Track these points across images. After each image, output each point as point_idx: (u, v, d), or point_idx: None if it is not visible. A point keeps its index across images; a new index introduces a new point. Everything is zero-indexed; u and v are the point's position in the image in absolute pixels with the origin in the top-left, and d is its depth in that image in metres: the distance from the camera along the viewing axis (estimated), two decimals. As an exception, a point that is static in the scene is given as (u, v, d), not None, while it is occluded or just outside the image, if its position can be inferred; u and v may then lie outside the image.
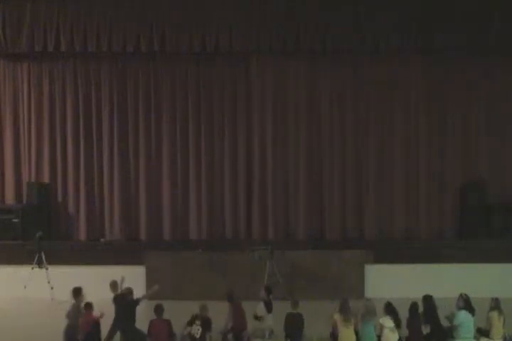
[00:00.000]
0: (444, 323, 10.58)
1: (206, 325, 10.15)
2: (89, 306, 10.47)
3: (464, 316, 10.32)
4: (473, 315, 10.37)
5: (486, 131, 16.64)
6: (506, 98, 16.50)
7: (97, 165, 16.85)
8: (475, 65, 16.46)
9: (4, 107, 16.97)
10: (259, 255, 14.25)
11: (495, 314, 10.38)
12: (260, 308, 11.37)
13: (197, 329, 10.07)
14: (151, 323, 10.21)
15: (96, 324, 10.39)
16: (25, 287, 13.92)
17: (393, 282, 14.22)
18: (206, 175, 16.73)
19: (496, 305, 10.48)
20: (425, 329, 10.50)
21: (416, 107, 16.70)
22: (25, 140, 16.96)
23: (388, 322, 10.01)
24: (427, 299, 10.71)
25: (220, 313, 10.84)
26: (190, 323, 10.20)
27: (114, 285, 11.23)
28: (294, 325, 10.55)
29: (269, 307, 11.38)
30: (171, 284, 14.07)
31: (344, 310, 10.05)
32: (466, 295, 10.58)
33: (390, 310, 10.19)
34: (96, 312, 10.44)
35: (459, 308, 10.44)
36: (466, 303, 10.46)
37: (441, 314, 10.60)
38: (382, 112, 16.71)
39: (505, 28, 15.63)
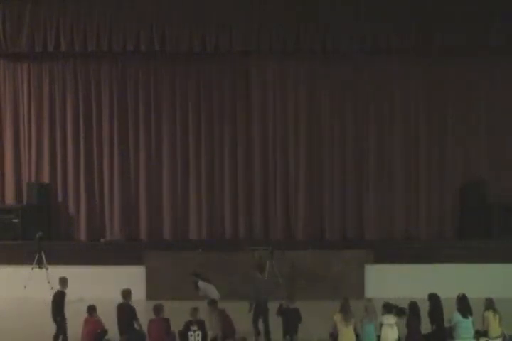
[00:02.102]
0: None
1: (204, 328, 10.06)
2: (93, 309, 10.43)
3: (459, 316, 10.32)
4: (470, 314, 10.36)
5: (486, 131, 16.65)
6: (506, 98, 16.50)
7: (97, 165, 16.85)
8: (475, 65, 16.47)
9: (4, 107, 16.99)
10: (260, 255, 14.26)
11: (490, 314, 10.37)
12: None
13: (197, 335, 9.95)
14: (150, 323, 10.20)
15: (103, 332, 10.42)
16: (25, 287, 13.93)
17: (393, 282, 14.22)
18: (206, 175, 16.74)
19: (489, 304, 10.46)
20: (429, 329, 10.52)
21: (416, 107, 16.71)
22: (25, 140, 16.97)
23: (387, 319, 10.01)
24: (433, 298, 10.71)
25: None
26: (186, 330, 10.00)
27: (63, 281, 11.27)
28: (291, 320, 10.57)
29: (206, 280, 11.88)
30: (170, 284, 14.08)
31: (345, 310, 10.05)
32: (463, 295, 10.57)
33: (388, 308, 10.17)
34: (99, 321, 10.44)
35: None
36: (463, 303, 10.44)
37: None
38: (382, 112, 16.71)
39: (505, 28, 15.64)
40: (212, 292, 11.97)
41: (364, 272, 14.53)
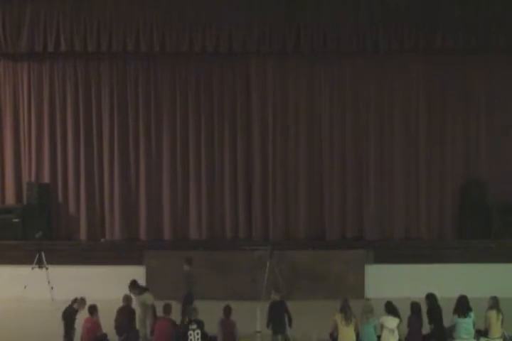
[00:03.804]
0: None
1: (203, 327, 10.09)
2: (93, 309, 10.43)
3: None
4: (470, 315, 10.34)
5: (486, 131, 16.65)
6: (506, 98, 16.50)
7: (97, 165, 16.84)
8: (475, 65, 16.47)
9: (4, 107, 16.96)
10: (259, 255, 14.27)
11: (493, 313, 10.36)
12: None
13: (196, 334, 9.98)
14: (158, 321, 10.21)
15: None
16: (25, 287, 13.92)
17: (393, 282, 14.23)
18: (206, 176, 16.72)
19: (493, 304, 10.45)
20: (428, 329, 10.52)
21: (416, 107, 16.70)
22: (25, 140, 16.95)
23: (388, 323, 10.00)
24: (430, 297, 10.71)
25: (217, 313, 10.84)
26: (185, 330, 10.02)
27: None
28: (277, 313, 10.55)
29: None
30: (171, 284, 14.06)
31: (345, 310, 10.06)
32: (462, 295, 10.56)
33: (390, 308, 10.18)
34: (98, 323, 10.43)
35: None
36: (461, 303, 10.43)
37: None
38: (382, 112, 16.71)
39: (505, 28, 15.65)
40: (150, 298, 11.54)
41: (364, 272, 14.55)
